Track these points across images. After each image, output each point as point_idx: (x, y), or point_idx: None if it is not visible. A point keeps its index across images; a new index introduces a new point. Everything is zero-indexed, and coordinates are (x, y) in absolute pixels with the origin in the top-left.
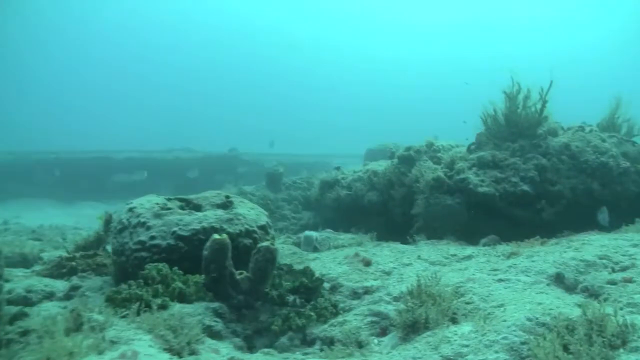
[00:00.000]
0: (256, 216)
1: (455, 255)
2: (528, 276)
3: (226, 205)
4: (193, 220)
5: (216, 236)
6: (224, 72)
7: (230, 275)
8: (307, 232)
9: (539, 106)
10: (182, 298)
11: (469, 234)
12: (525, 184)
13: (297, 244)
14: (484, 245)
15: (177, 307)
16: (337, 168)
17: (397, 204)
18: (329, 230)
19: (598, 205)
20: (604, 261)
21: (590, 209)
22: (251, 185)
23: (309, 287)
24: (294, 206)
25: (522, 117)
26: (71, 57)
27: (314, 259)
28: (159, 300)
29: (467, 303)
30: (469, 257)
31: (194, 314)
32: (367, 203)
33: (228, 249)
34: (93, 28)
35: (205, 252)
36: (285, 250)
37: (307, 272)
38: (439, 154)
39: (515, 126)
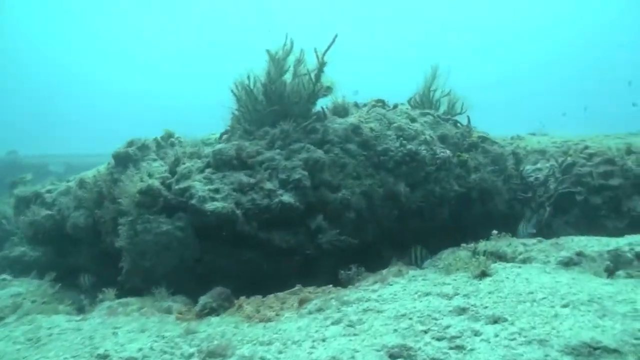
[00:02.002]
0: None
1: (107, 356)
2: None
3: None
4: None
5: None
6: None
7: None
8: None
9: (314, 72)
10: None
11: (203, 279)
12: (287, 191)
13: None
14: (202, 308)
15: None
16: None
17: (109, 228)
18: (3, 276)
19: (407, 219)
20: None
21: (396, 225)
22: None
23: None
24: None
25: (289, 89)
26: None
27: None
28: None
29: None
30: None
31: None
32: (71, 228)
33: None
34: None
35: None
36: None
37: None
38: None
39: (280, 102)
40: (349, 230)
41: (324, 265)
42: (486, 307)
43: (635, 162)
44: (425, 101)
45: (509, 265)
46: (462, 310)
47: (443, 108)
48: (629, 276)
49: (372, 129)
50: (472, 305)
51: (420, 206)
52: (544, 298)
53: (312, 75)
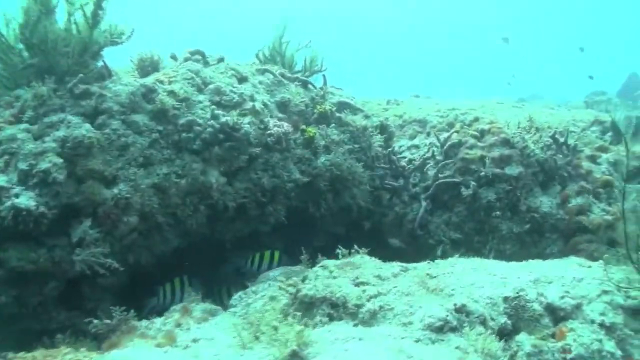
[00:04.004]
0: None
1: None
2: None
3: None
4: None
5: None
6: None
7: None
8: None
9: (90, 8)
10: None
11: None
12: (28, 189)
13: None
14: None
15: None
16: None
17: None
18: None
19: (224, 222)
20: None
21: (209, 230)
22: None
23: None
24: None
25: (56, 33)
26: None
27: None
28: None
29: None
30: None
31: None
32: None
33: None
34: None
35: None
36: None
37: None
38: None
39: (43, 52)
40: (131, 242)
41: (97, 291)
42: None
43: (539, 144)
44: (275, 55)
45: (342, 334)
46: None
47: (300, 65)
48: (537, 353)
49: (174, 93)
50: None
51: (243, 203)
52: None
53: (88, 13)
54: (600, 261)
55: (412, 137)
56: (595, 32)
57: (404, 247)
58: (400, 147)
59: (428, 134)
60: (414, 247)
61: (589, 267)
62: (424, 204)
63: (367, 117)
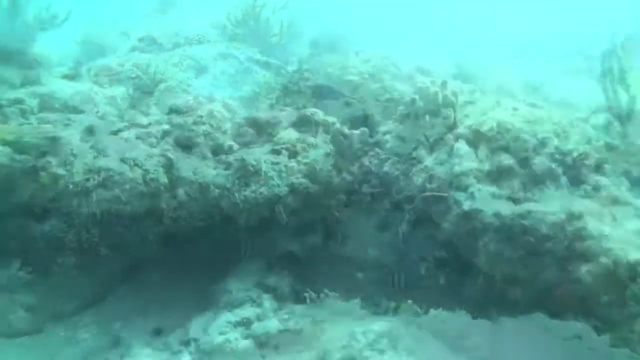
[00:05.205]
0: None
1: None
2: None
3: None
4: None
5: None
6: None
7: None
8: None
9: None
10: None
11: None
12: None
13: None
14: None
15: None
16: None
17: None
18: None
19: None
20: None
21: None
22: None
23: None
24: None
25: None
26: None
27: None
28: None
29: None
30: None
31: None
32: None
33: None
34: None
35: None
36: None
37: None
38: None
39: None
40: None
41: None
42: None
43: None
44: (248, 18)
45: None
46: None
47: (277, 28)
48: None
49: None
50: None
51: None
52: None
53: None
54: None
55: (400, 122)
56: None
57: (385, 261)
58: (385, 135)
59: (416, 118)
60: (396, 261)
61: None
62: (407, 216)
63: (348, 104)
